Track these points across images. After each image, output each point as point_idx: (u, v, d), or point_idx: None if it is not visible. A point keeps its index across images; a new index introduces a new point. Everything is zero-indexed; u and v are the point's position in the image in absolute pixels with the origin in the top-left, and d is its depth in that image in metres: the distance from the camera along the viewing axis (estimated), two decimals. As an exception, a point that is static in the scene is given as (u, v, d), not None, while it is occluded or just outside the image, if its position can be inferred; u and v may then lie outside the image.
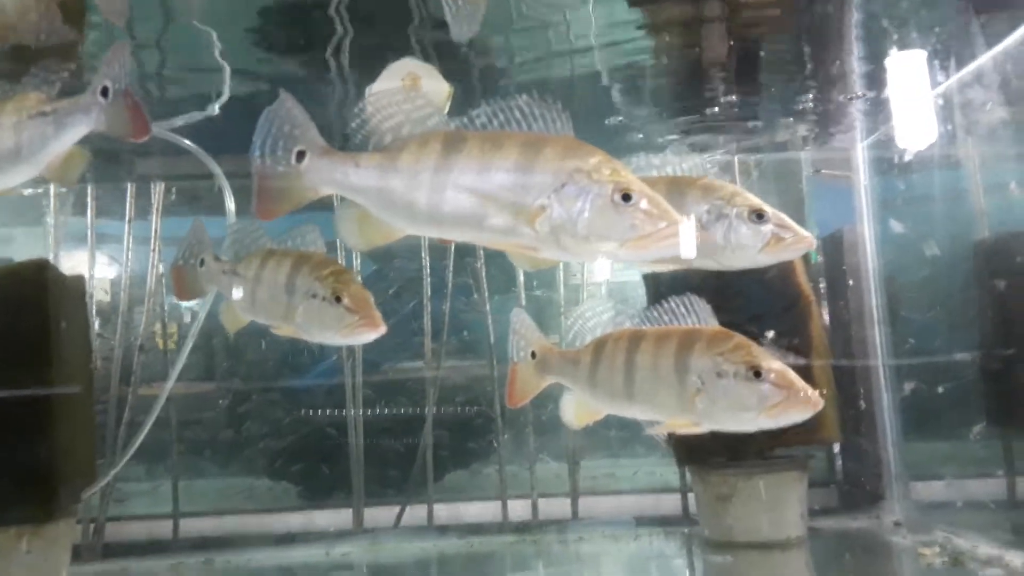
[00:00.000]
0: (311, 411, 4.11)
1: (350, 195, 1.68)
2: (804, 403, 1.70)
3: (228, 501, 3.97)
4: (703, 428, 1.82)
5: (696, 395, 1.78)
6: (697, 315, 1.88)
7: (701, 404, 1.78)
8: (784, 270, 2.99)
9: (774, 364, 1.73)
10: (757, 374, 1.72)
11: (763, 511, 2.95)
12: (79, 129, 1.95)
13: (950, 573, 2.65)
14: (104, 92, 1.93)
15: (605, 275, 4.21)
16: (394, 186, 1.60)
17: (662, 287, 2.96)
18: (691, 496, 3.56)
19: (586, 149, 1.53)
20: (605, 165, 1.50)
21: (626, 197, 1.46)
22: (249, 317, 2.19)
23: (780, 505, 2.97)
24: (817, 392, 1.73)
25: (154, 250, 3.52)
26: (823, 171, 3.89)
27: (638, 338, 1.91)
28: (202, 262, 2.28)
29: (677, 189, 1.84)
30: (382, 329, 1.89)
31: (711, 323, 1.87)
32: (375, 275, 4.78)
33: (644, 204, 1.46)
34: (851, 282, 3.68)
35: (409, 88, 2.45)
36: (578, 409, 2.08)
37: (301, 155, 1.70)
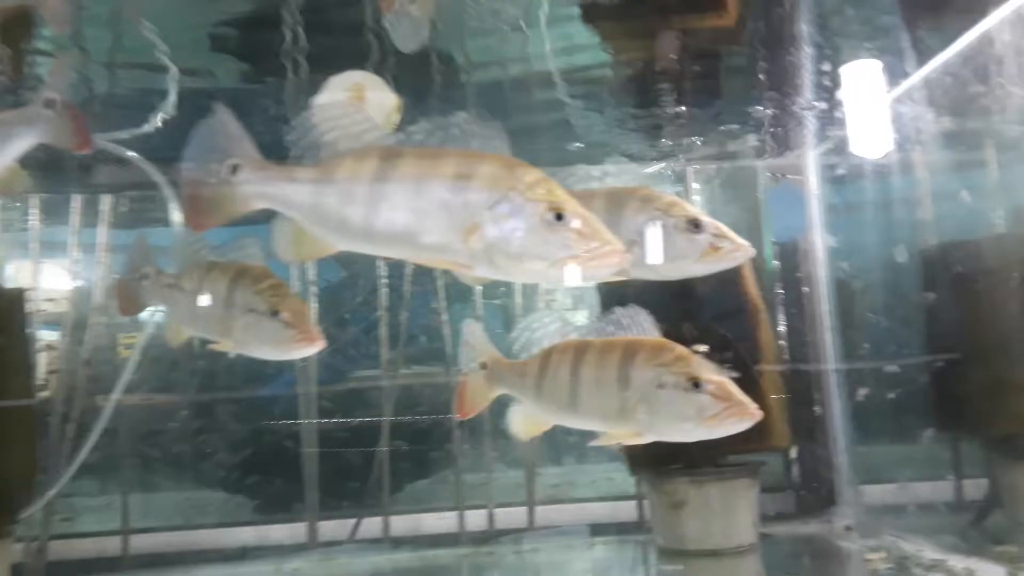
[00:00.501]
0: (269, 422, 4.06)
1: (284, 209, 1.65)
2: (742, 414, 1.71)
3: (182, 516, 3.91)
4: (645, 439, 1.83)
5: (638, 406, 1.79)
6: (641, 326, 1.89)
7: (642, 415, 1.78)
8: (732, 279, 3.02)
9: (713, 376, 1.75)
10: (696, 385, 1.73)
11: (715, 519, 2.97)
12: (26, 140, 1.92)
13: (894, 578, 2.69)
14: (50, 104, 1.91)
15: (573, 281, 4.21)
16: (328, 201, 1.58)
17: (612, 296, 2.97)
18: (647, 504, 3.58)
19: (522, 168, 1.51)
20: (540, 184, 1.48)
21: (559, 217, 1.45)
22: (191, 331, 2.16)
23: (732, 513, 2.98)
24: (755, 403, 1.74)
25: (100, 263, 3.47)
26: (788, 176, 3.94)
27: (582, 349, 1.91)
28: (145, 276, 2.24)
29: (616, 201, 1.84)
30: (319, 344, 1.86)
31: (654, 334, 1.88)
32: (345, 282, 4.74)
33: (576, 224, 1.45)
34: (806, 289, 3.73)
35: (355, 100, 2.44)
36: (525, 420, 2.08)
37: (235, 168, 1.68)
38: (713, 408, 1.72)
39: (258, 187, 1.66)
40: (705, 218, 1.82)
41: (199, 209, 1.72)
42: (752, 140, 3.61)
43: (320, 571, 3.24)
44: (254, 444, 4.11)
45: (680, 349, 1.82)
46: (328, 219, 1.59)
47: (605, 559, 3.23)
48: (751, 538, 3.01)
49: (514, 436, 2.12)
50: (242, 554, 3.38)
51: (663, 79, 3.17)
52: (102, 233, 3.55)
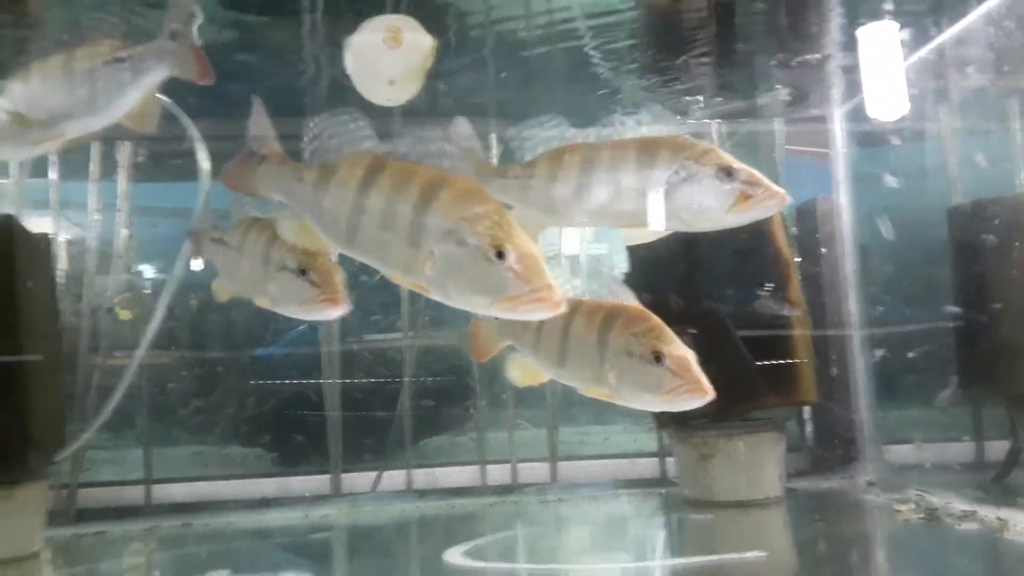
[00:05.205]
0: (283, 380, 4.06)
1: (292, 205, 1.80)
2: (695, 391, 1.71)
3: (201, 468, 3.92)
4: (617, 401, 1.85)
5: (610, 370, 1.82)
6: (618, 298, 1.91)
7: (612, 379, 1.82)
8: (764, 233, 3.01)
9: (676, 351, 1.74)
10: (658, 359, 1.74)
11: (742, 471, 2.99)
12: (155, 74, 1.95)
13: (927, 527, 2.69)
14: (173, 36, 1.93)
15: (576, 248, 4.21)
16: (324, 205, 1.68)
17: (640, 255, 2.96)
18: (668, 460, 3.60)
19: (478, 197, 1.53)
20: (490, 217, 1.49)
21: (500, 255, 1.44)
22: (233, 287, 2.18)
23: (759, 465, 3.00)
24: (710, 383, 1.73)
25: (120, 210, 3.44)
26: (797, 148, 3.92)
27: (574, 309, 1.91)
28: (203, 231, 2.31)
29: (647, 150, 1.77)
30: (345, 307, 1.87)
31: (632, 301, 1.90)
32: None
33: (516, 264, 1.44)
34: (824, 251, 3.73)
35: (391, 41, 2.41)
36: (523, 370, 2.11)
37: (262, 159, 1.86)
38: (670, 383, 1.73)
39: (275, 181, 1.83)
40: (738, 165, 1.72)
41: (236, 177, 1.93)
42: (782, 95, 3.57)
43: (348, 519, 3.27)
44: (269, 401, 4.11)
45: (655, 320, 1.82)
46: (323, 221, 1.71)
47: (631, 508, 3.26)
48: (778, 491, 3.03)
49: (511, 381, 2.16)
50: (268, 503, 3.40)
51: (689, 29, 3.12)
52: (121, 183, 3.52)
